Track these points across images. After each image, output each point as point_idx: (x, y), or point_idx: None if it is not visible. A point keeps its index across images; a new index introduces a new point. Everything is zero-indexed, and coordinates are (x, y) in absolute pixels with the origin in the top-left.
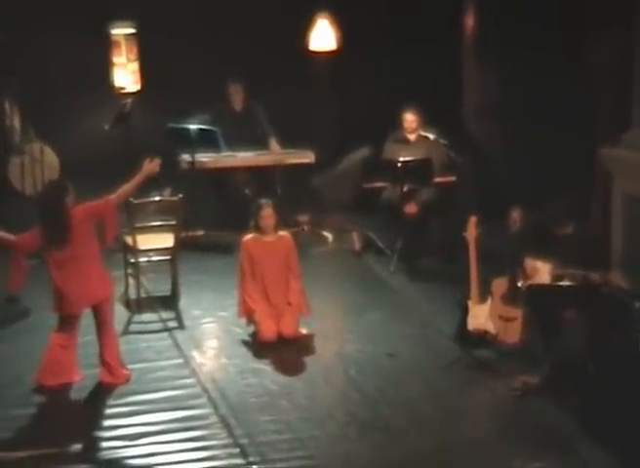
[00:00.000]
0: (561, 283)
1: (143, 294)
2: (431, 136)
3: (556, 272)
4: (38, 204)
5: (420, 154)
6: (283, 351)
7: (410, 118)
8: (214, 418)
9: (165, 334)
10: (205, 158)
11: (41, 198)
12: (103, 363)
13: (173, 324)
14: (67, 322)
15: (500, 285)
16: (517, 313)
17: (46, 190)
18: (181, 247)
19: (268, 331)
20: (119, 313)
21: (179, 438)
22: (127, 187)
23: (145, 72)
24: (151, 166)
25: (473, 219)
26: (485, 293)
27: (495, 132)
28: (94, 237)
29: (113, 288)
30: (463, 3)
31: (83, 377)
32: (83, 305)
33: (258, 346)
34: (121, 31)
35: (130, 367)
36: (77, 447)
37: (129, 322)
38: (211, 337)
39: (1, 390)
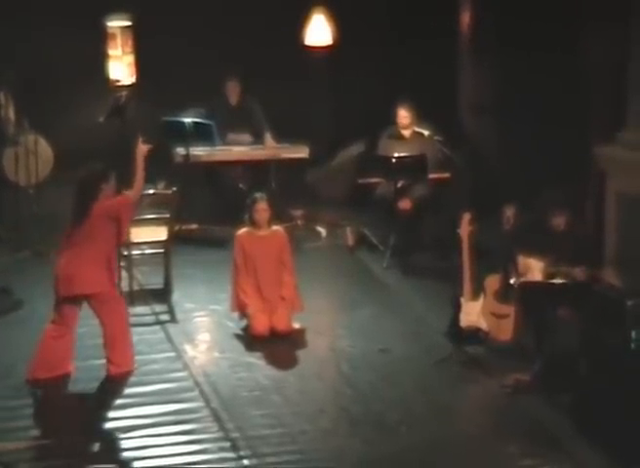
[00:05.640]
0: (553, 280)
1: (136, 287)
2: (426, 133)
3: (549, 270)
4: (77, 181)
5: (415, 150)
6: (275, 346)
7: (403, 114)
8: (205, 412)
9: (157, 328)
10: (199, 151)
11: (81, 176)
12: (105, 356)
13: (165, 317)
14: (61, 310)
15: (492, 282)
16: (509, 310)
17: (88, 170)
18: (175, 240)
19: (261, 326)
20: None
21: (170, 431)
22: (137, 180)
23: (141, 65)
24: (141, 148)
25: (467, 216)
26: (478, 290)
27: (489, 129)
28: (108, 234)
29: (106, 289)
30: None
31: (74, 369)
32: (68, 291)
33: (250, 340)
34: (117, 24)
35: None
36: (69, 438)
37: None
38: (203, 331)
39: None
